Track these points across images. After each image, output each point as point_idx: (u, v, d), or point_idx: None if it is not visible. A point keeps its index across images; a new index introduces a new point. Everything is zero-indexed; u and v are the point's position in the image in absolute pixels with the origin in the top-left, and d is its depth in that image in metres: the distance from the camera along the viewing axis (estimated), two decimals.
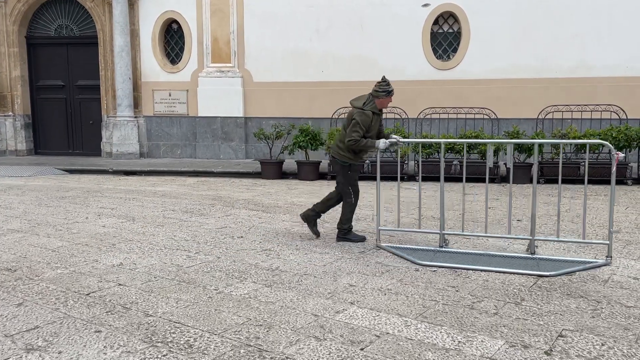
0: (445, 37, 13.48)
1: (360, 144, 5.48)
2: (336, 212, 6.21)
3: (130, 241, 5.88)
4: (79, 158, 15.06)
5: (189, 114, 14.70)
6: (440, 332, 3.43)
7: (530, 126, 11.96)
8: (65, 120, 15.82)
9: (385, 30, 13.42)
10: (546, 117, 11.22)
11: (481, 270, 4.73)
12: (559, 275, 4.57)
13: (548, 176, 10.11)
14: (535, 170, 5.38)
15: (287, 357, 3.08)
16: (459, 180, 10.00)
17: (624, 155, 4.77)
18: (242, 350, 3.16)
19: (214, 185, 10.57)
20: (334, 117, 11.85)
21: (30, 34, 15.66)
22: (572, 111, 11.27)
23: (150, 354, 3.11)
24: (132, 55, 14.66)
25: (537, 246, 5.33)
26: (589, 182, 9.82)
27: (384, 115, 6.24)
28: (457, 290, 4.22)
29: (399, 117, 11.60)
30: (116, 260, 5.10)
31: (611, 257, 4.92)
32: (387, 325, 3.53)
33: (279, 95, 14.06)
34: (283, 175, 11.69)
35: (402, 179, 9.84)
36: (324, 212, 6.01)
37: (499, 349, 3.18)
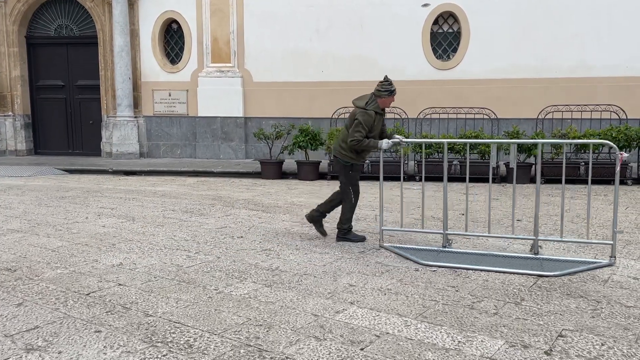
0: (445, 37, 13.49)
1: (363, 144, 5.47)
2: (336, 212, 6.21)
3: (130, 241, 5.88)
4: (78, 158, 15.07)
5: (189, 114, 14.70)
6: (440, 332, 3.43)
7: (530, 126, 11.96)
8: (65, 120, 15.82)
9: (385, 30, 13.42)
10: (546, 117, 11.22)
11: (486, 271, 4.71)
12: (564, 275, 4.56)
13: (548, 176, 10.11)
14: (538, 170, 5.39)
15: (287, 357, 3.08)
16: (458, 180, 10.03)
17: (628, 155, 4.79)
18: (242, 350, 3.16)
19: (214, 185, 10.57)
20: (333, 117, 11.85)
21: (30, 34, 15.66)
22: (572, 111, 11.27)
23: (150, 354, 3.11)
24: (132, 55, 14.66)
25: (540, 246, 5.33)
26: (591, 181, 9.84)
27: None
28: (457, 290, 4.22)
29: (399, 117, 11.60)
30: (116, 260, 5.10)
31: (615, 257, 4.92)
32: (387, 325, 3.53)
33: (279, 95, 14.06)
34: (283, 175, 11.70)
35: (403, 179, 9.83)
36: (328, 212, 6.00)
37: (498, 349, 3.18)
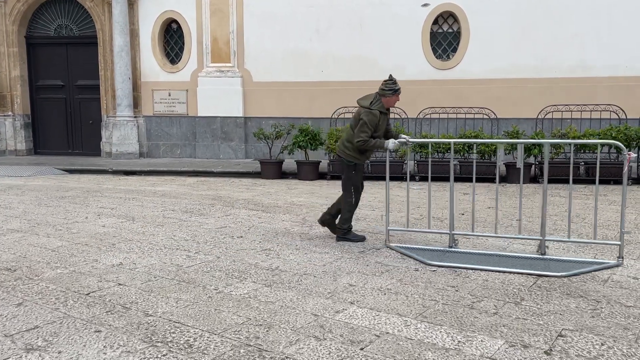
0: (445, 37, 13.49)
1: (369, 144, 5.46)
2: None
3: (130, 241, 5.88)
4: (78, 158, 15.07)
5: (189, 113, 14.70)
6: (440, 331, 3.43)
7: (529, 126, 11.97)
8: (65, 120, 15.82)
9: (385, 30, 13.42)
10: (546, 117, 11.22)
11: (493, 271, 4.70)
12: (571, 276, 4.55)
13: (548, 176, 10.08)
14: (545, 170, 5.40)
15: (287, 357, 3.08)
16: (458, 180, 10.00)
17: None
18: (242, 350, 3.16)
19: (214, 185, 10.57)
20: (333, 117, 11.85)
21: (29, 34, 15.66)
22: (571, 111, 11.27)
23: (150, 354, 3.11)
24: (132, 55, 14.66)
25: (547, 247, 5.33)
26: (589, 181, 9.86)
27: None
28: (457, 290, 4.22)
29: (399, 117, 11.60)
30: (116, 260, 5.10)
31: (622, 257, 4.91)
32: (387, 325, 3.53)
33: (279, 95, 14.06)
34: (283, 175, 11.70)
35: (403, 179, 9.83)
36: (339, 213, 5.99)
37: (498, 348, 3.18)
